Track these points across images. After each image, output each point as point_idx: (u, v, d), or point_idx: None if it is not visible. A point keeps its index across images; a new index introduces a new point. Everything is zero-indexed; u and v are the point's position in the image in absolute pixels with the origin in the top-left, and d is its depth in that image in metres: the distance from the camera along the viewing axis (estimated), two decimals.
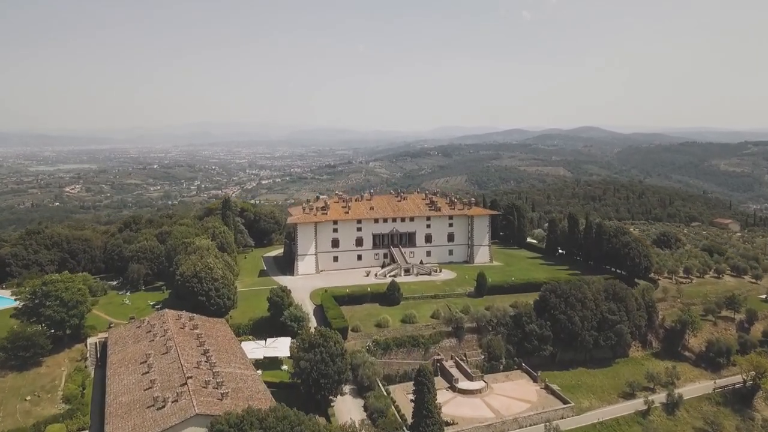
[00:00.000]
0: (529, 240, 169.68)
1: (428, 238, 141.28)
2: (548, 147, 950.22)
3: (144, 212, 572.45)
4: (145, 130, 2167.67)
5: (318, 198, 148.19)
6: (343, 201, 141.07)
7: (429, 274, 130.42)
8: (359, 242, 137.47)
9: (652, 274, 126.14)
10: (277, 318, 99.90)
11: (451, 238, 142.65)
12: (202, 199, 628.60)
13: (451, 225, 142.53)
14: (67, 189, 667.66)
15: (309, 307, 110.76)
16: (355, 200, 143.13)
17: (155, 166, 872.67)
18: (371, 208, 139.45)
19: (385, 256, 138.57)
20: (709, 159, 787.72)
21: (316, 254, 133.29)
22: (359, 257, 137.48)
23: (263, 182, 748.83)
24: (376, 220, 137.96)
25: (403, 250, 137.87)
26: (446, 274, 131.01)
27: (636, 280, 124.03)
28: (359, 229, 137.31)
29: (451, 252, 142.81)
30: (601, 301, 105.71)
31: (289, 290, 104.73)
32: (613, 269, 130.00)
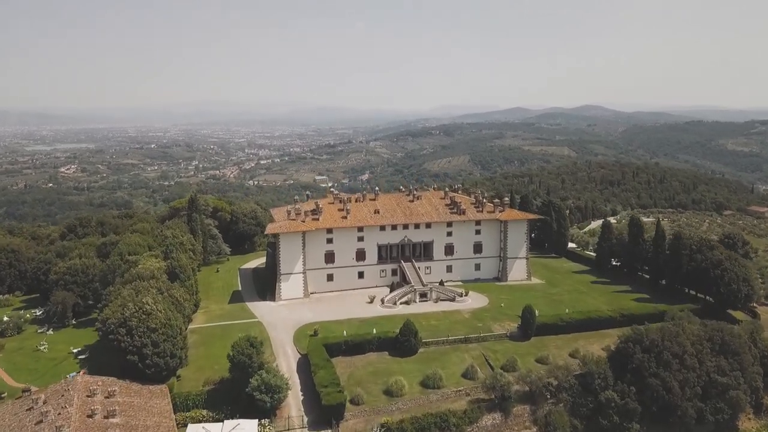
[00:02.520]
0: (570, 246, 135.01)
1: (449, 250, 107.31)
2: (551, 126, 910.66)
3: (138, 193, 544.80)
4: (144, 109, 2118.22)
5: (307, 198, 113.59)
6: (340, 201, 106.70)
7: (453, 299, 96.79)
8: (361, 256, 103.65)
9: (753, 304, 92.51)
10: (243, 386, 66.56)
11: (478, 249, 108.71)
12: (199, 180, 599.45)
13: (478, 233, 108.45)
14: (63, 169, 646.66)
15: (291, 359, 77.62)
16: (356, 200, 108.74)
17: (153, 146, 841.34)
18: (376, 212, 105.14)
19: (394, 273, 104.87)
20: (715, 138, 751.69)
21: (304, 273, 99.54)
22: (361, 275, 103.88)
23: (262, 162, 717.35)
24: (383, 228, 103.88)
25: (417, 265, 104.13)
26: (475, 300, 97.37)
27: (729, 311, 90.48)
28: (361, 239, 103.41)
29: (477, 267, 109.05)
30: (706, 354, 72.29)
31: (260, 342, 71.00)
32: (696, 294, 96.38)
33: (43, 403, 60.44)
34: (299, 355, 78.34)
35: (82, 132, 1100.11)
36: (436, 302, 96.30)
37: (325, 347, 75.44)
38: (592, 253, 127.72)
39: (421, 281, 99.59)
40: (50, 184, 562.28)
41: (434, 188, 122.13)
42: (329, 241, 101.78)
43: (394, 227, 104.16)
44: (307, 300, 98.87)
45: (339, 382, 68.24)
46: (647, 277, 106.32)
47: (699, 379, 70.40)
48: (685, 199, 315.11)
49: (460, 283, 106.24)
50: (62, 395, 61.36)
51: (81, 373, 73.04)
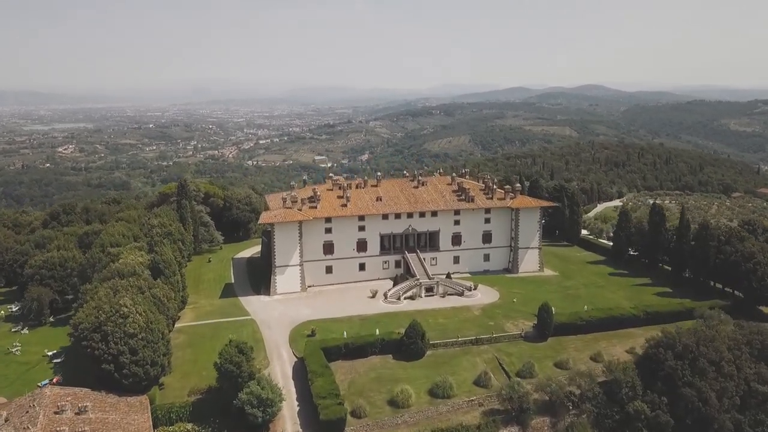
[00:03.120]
0: (583, 233, 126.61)
1: (456, 240, 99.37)
2: (552, 106, 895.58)
3: (136, 174, 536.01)
4: (143, 89, 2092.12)
5: (305, 184, 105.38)
6: (340, 188, 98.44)
7: (461, 294, 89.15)
8: (362, 246, 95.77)
9: None
10: (232, 396, 59.26)
11: (487, 238, 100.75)
12: (197, 160, 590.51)
13: (488, 221, 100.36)
14: (60, 149, 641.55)
15: (287, 363, 70.38)
16: (357, 186, 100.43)
17: (151, 126, 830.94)
18: (378, 199, 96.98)
19: (398, 265, 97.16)
20: (718, 118, 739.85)
21: (301, 265, 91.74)
22: (362, 267, 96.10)
23: (261, 142, 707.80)
24: (386, 216, 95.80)
25: (422, 256, 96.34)
26: (485, 295, 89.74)
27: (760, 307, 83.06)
28: (362, 229, 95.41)
29: (487, 258, 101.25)
30: (744, 360, 64.95)
31: (251, 348, 63.49)
32: (723, 288, 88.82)
33: (5, 421, 53.29)
34: (295, 359, 71.03)
35: (80, 111, 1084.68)
36: (443, 297, 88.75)
37: (323, 351, 68.08)
38: (606, 242, 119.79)
39: (427, 274, 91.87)
40: (47, 164, 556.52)
41: (440, 173, 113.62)
42: (328, 230, 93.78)
43: (397, 216, 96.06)
44: (304, 294, 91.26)
45: (339, 392, 61.01)
46: (669, 268, 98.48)
47: (737, 389, 63.18)
48: (692, 181, 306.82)
49: (468, 275, 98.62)
50: (27, 411, 54.16)
51: (54, 380, 66.00)
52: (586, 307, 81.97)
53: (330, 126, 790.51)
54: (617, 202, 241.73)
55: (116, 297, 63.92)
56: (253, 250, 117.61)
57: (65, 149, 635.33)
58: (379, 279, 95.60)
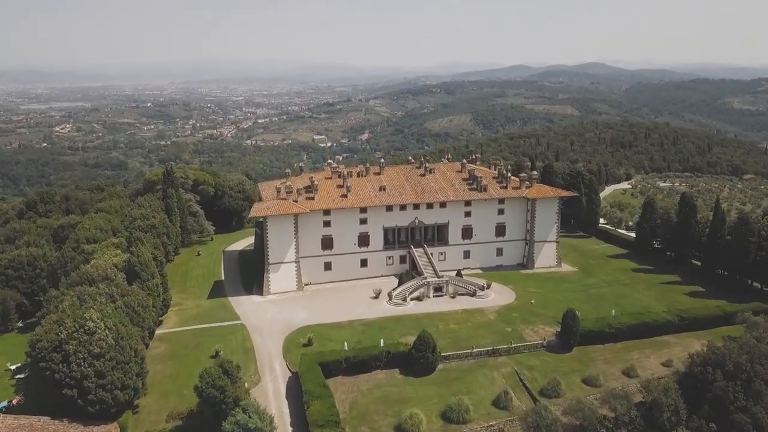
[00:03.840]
0: (601, 223, 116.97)
1: (467, 233, 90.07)
2: (554, 84, 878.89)
3: (134, 153, 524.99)
4: (141, 67, 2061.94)
5: (301, 171, 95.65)
6: (339, 176, 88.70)
7: (473, 294, 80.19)
8: (364, 241, 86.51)
9: None
10: (215, 426, 50.52)
11: (501, 231, 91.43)
12: (196, 140, 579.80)
13: (501, 212, 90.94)
14: (57, 129, 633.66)
15: (280, 379, 61.73)
16: (358, 174, 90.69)
17: (149, 105, 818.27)
18: (381, 189, 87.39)
19: (403, 260, 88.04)
20: (721, 97, 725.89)
21: (297, 262, 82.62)
22: (364, 263, 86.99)
23: (260, 121, 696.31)
24: (390, 208, 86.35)
25: (429, 251, 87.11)
26: (499, 295, 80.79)
27: None
28: (364, 222, 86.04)
29: (500, 252, 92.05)
30: None
31: (238, 367, 54.51)
32: (761, 288, 79.85)
33: None
34: (290, 373, 62.31)
35: (78, 90, 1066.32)
36: (453, 297, 79.80)
37: (321, 366, 59.22)
38: (625, 232, 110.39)
39: (435, 271, 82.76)
40: (44, 144, 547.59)
41: (448, 158, 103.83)
42: (326, 224, 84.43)
43: (402, 207, 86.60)
44: (300, 294, 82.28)
45: (338, 417, 52.29)
46: (699, 264, 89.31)
47: None
48: (700, 162, 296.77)
49: (480, 271, 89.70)
50: None
51: (14, 401, 57.38)
52: (613, 311, 73.03)
53: (329, 105, 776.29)
54: (626, 185, 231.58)
55: (82, 308, 54.82)
56: (246, 241, 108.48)
57: (62, 128, 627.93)
58: (382, 276, 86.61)
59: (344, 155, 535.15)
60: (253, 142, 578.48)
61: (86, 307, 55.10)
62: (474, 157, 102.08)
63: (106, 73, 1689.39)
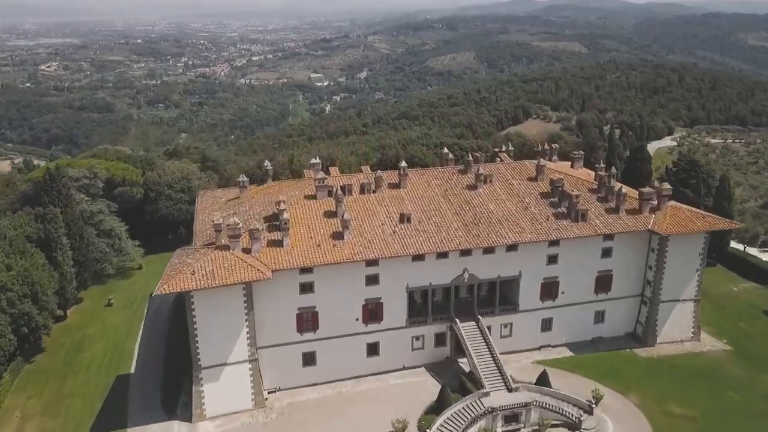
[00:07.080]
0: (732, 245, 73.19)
1: (550, 290, 50.61)
2: (559, 19, 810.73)
3: (121, 94, 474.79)
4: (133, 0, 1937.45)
5: (267, 169, 54.17)
6: (329, 194, 47.51)
7: (575, 425, 41.21)
8: (373, 313, 47.05)
9: None
10: None
11: (604, 284, 52.00)
12: (187, 79, 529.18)
13: (607, 254, 51.55)
14: (43, 67, 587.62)
15: None
16: (360, 190, 49.77)
17: (139, 41, 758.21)
18: (404, 219, 46.50)
19: (440, 341, 48.79)
20: (735, 33, 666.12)
21: (251, 360, 43.34)
22: (372, 350, 48.16)
23: (254, 59, 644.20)
24: (419, 257, 45.75)
25: (485, 323, 47.48)
26: (622, 423, 41.97)
27: None
28: (373, 280, 46.56)
29: (599, 317, 53.05)
30: None
31: None
32: None
33: None
34: None
35: (68, 25, 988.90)
36: None
37: None
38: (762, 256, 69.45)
39: (501, 372, 43.72)
40: (28, 84, 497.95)
41: (505, 150, 61.15)
42: (306, 288, 45.43)
43: (442, 254, 46.22)
44: (260, 418, 43.32)
45: None
46: None
47: None
48: (743, 110, 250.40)
49: (566, 350, 50.75)
50: None
51: None
52: None
53: (326, 41, 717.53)
54: (669, 141, 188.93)
55: None
56: None
57: (48, 66, 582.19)
58: (404, 368, 48.56)
59: (342, 95, 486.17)
60: (247, 81, 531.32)
61: None
62: (545, 149, 59.13)
63: (96, 7, 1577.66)
